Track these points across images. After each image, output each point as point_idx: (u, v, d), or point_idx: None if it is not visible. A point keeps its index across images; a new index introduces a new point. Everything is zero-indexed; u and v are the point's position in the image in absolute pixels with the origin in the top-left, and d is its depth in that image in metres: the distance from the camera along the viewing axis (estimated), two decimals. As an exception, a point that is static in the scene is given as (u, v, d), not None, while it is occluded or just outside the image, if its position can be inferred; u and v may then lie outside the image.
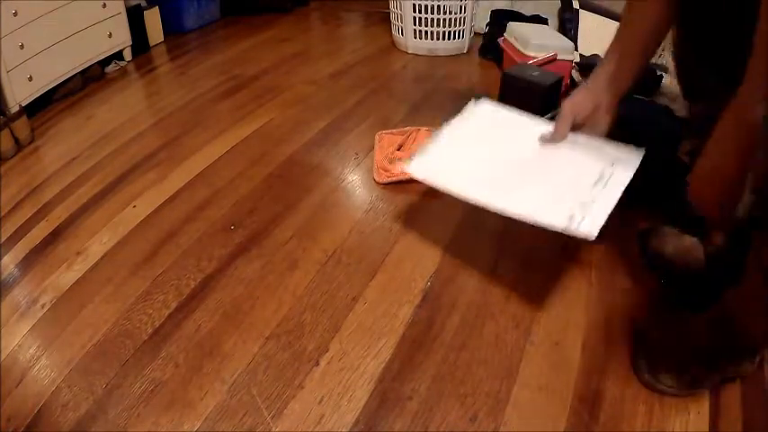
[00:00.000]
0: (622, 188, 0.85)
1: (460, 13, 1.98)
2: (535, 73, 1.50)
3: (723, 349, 0.77)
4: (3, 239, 1.13)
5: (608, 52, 0.94)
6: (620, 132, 0.99)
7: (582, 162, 0.93)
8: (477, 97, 1.15)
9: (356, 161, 1.36)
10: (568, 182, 0.89)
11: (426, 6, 1.96)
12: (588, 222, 0.79)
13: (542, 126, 1.01)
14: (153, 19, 2.18)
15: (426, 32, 2.02)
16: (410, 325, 0.89)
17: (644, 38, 0.89)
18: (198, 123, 1.57)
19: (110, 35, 1.92)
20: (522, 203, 0.85)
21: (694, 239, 0.95)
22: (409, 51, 2.09)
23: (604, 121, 0.95)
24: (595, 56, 1.64)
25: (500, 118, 1.10)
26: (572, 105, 0.95)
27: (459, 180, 0.93)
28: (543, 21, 1.97)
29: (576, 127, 0.96)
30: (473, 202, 0.88)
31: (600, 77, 0.94)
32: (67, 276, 1.02)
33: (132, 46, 2.05)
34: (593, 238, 0.77)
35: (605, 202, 0.83)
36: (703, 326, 0.78)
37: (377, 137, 1.42)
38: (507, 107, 1.12)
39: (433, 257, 1.03)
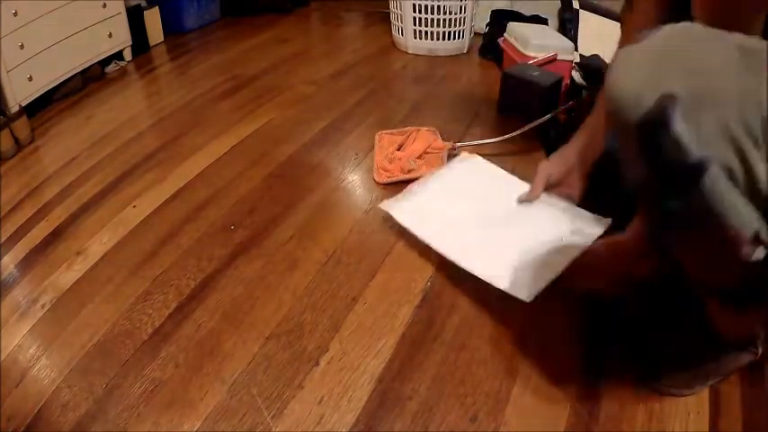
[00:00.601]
0: (566, 263, 0.89)
1: (460, 13, 1.98)
2: (535, 73, 1.50)
3: (722, 346, 0.77)
4: (3, 239, 1.13)
5: (585, 122, 1.04)
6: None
7: (545, 228, 0.99)
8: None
9: (356, 161, 1.36)
10: (525, 247, 0.95)
11: (426, 6, 1.96)
12: (526, 289, 0.86)
13: (519, 184, 1.11)
14: (153, 19, 2.18)
15: (426, 32, 2.02)
16: (410, 325, 0.89)
17: None
18: (198, 123, 1.57)
19: (110, 35, 1.92)
20: (478, 262, 0.93)
21: None
22: (409, 51, 2.09)
23: (577, 184, 1.03)
24: (595, 56, 1.64)
25: (483, 173, 1.20)
26: (546, 168, 1.04)
27: (432, 231, 1.01)
28: (543, 21, 1.97)
29: (550, 187, 1.05)
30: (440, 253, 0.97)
31: (574, 145, 1.03)
32: (67, 276, 1.02)
33: (132, 46, 2.05)
34: (529, 301, 0.84)
35: (547, 272, 0.88)
36: (701, 324, 0.78)
37: (377, 137, 1.42)
38: (491, 163, 1.21)
39: (434, 257, 1.03)
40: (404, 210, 1.07)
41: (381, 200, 1.19)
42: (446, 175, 1.18)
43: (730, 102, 0.53)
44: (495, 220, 1.03)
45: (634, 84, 0.56)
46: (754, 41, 0.55)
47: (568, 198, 1.04)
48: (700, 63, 0.55)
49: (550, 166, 1.05)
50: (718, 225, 0.57)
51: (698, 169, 0.53)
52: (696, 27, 0.58)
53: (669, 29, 0.58)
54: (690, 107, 0.52)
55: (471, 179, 1.18)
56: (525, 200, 1.05)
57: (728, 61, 0.54)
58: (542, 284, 0.86)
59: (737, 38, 0.55)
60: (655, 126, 0.53)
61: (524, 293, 0.85)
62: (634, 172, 0.60)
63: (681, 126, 0.52)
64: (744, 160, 0.54)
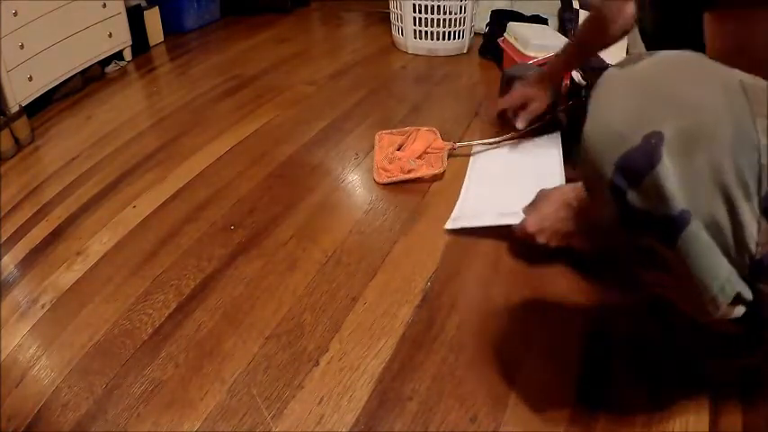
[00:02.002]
0: (494, 222, 1.05)
1: (460, 13, 1.98)
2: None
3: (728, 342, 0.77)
4: (3, 239, 1.13)
5: (563, 51, 1.26)
6: None
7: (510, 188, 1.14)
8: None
9: (356, 161, 1.36)
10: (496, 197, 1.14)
11: (426, 6, 1.96)
12: (451, 222, 1.09)
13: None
14: (153, 19, 2.18)
15: (426, 32, 2.02)
16: (410, 325, 0.89)
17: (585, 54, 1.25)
18: (198, 123, 1.57)
19: (110, 35, 1.92)
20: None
21: None
22: (409, 51, 2.09)
23: (545, 99, 1.27)
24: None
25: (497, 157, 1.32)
26: (524, 86, 1.28)
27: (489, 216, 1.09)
28: (543, 21, 1.97)
29: (523, 105, 1.27)
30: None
31: (548, 69, 1.28)
32: (67, 276, 1.02)
33: (132, 46, 2.05)
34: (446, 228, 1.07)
35: (479, 220, 1.06)
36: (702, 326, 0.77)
37: (377, 137, 1.42)
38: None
39: (433, 257, 1.03)
40: (460, 216, 1.12)
41: (381, 200, 1.20)
42: (473, 171, 1.28)
43: (725, 143, 0.48)
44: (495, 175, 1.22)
45: (616, 120, 0.51)
46: (753, 79, 0.50)
47: (539, 109, 1.26)
48: (693, 97, 0.49)
49: (530, 83, 1.26)
50: (688, 278, 0.52)
51: (678, 223, 0.48)
52: (690, 58, 0.52)
53: (661, 56, 0.53)
54: (680, 147, 0.47)
55: (495, 163, 1.29)
56: (504, 138, 1.27)
57: (724, 100, 0.49)
58: (465, 225, 1.07)
59: (736, 74, 0.50)
60: (638, 168, 0.48)
61: (449, 224, 1.08)
62: (605, 213, 0.55)
63: (667, 168, 0.47)
64: (732, 211, 0.49)
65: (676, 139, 0.48)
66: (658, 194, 0.48)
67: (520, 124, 1.29)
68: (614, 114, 0.51)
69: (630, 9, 1.03)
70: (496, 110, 1.28)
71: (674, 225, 0.49)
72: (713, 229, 0.49)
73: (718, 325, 0.69)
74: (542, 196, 0.96)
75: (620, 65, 0.54)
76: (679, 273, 0.53)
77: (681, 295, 0.58)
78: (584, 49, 1.22)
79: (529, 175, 1.14)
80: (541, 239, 0.93)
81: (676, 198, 0.48)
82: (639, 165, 0.48)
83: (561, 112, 1.40)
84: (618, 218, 0.53)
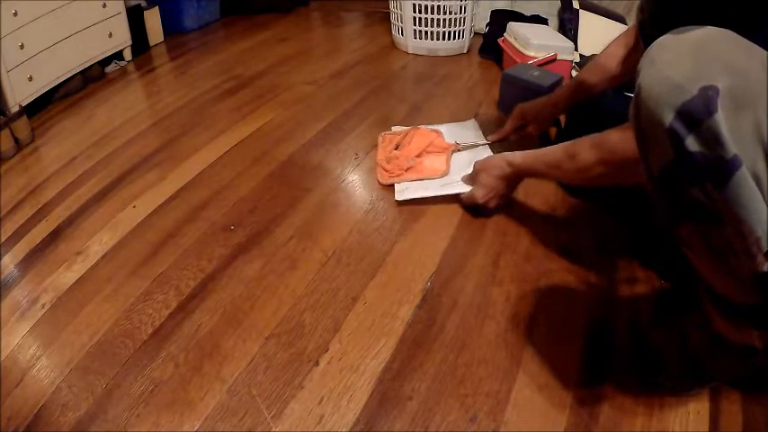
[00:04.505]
0: (441, 193, 1.19)
1: (460, 13, 1.98)
2: (535, 73, 1.50)
3: (724, 348, 0.77)
4: (3, 239, 1.13)
5: (563, 87, 1.28)
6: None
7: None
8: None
9: (356, 161, 1.36)
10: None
11: (426, 6, 1.96)
12: (401, 194, 1.20)
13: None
14: (153, 19, 2.18)
15: (426, 32, 2.02)
16: (410, 325, 0.89)
17: (585, 94, 1.22)
18: (198, 123, 1.57)
19: (110, 35, 1.92)
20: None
21: None
22: (409, 51, 2.09)
23: (538, 128, 1.32)
24: (595, 56, 1.63)
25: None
26: (522, 111, 1.31)
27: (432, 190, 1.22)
28: (543, 21, 1.97)
29: (519, 129, 1.33)
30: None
31: (552, 99, 1.28)
32: (67, 276, 1.02)
33: (132, 46, 2.05)
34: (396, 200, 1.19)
35: (425, 191, 1.20)
36: (704, 325, 0.77)
37: (380, 138, 1.42)
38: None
39: (433, 257, 1.03)
40: (406, 189, 1.23)
41: (381, 200, 1.20)
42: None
43: (766, 105, 0.53)
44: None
45: (674, 73, 0.55)
46: None
47: (529, 135, 1.32)
48: (740, 63, 0.55)
49: (527, 109, 1.30)
50: (737, 228, 0.56)
51: (731, 166, 0.53)
52: (732, 33, 0.58)
53: (708, 29, 0.58)
54: (731, 102, 0.52)
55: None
56: (498, 137, 1.34)
57: (765, 69, 0.54)
58: (413, 196, 1.19)
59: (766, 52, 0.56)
60: (697, 114, 0.53)
61: (398, 195, 1.20)
62: (657, 161, 0.59)
63: (722, 118, 0.52)
64: None
65: (728, 95, 0.53)
66: (715, 139, 0.53)
67: (513, 136, 1.35)
68: (672, 69, 0.56)
69: (612, 63, 1.14)
70: (498, 136, 1.34)
71: (727, 167, 0.53)
72: (756, 180, 0.54)
73: (740, 335, 0.70)
74: (480, 169, 1.12)
75: (673, 33, 0.59)
76: (725, 217, 0.56)
77: (720, 246, 0.60)
78: (581, 94, 1.24)
79: (463, 154, 1.32)
80: (491, 204, 1.12)
81: (730, 144, 0.53)
82: (698, 112, 0.53)
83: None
84: (673, 163, 0.57)
